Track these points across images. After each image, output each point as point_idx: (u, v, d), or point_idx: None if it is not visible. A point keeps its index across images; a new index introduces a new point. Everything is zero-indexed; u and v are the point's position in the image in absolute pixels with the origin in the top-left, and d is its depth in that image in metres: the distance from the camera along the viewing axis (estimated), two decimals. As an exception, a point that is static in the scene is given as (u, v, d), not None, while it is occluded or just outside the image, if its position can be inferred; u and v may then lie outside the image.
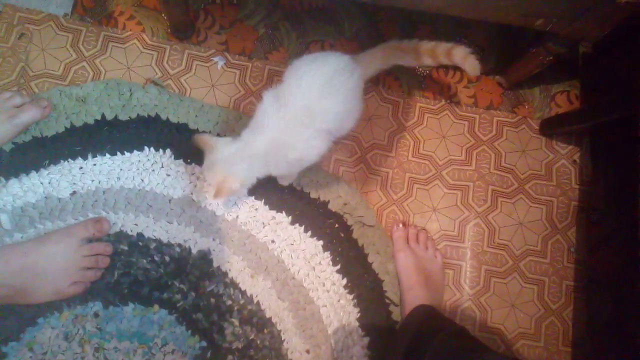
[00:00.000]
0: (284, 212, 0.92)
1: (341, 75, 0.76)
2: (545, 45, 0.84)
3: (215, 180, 0.76)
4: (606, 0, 0.67)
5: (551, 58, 0.85)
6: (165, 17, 0.97)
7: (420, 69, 1.02)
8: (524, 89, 1.03)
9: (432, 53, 0.82)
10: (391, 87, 1.01)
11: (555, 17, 0.74)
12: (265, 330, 0.86)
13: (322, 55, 0.79)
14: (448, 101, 1.01)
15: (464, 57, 0.80)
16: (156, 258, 0.87)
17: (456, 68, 1.01)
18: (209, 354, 0.84)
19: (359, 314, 0.89)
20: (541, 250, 0.95)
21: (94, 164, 0.91)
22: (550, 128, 0.98)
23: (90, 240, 0.85)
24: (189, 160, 0.92)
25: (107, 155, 0.91)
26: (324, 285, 0.89)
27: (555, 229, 0.96)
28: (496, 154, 0.99)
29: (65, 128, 0.92)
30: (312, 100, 0.74)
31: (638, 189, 0.70)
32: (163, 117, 0.94)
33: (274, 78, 0.98)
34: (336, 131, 0.80)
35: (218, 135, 0.94)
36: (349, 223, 0.93)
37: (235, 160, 0.76)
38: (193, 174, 0.92)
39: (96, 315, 0.84)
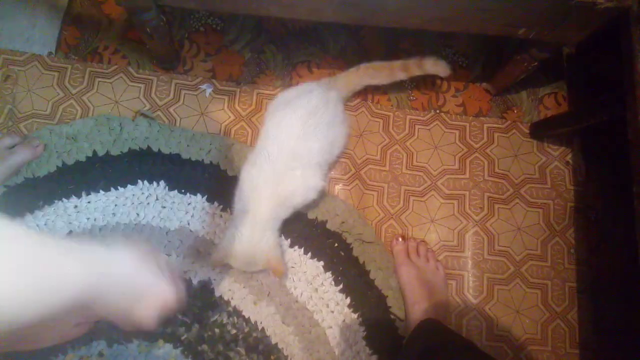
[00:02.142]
0: (282, 235, 0.91)
1: (316, 112, 0.79)
2: (529, 51, 0.84)
3: (264, 266, 0.80)
4: (585, 6, 0.68)
5: (536, 64, 0.86)
6: (150, 49, 0.97)
7: (407, 82, 1.02)
8: (511, 94, 1.03)
9: (404, 67, 0.90)
10: (380, 101, 1.01)
11: (537, 25, 0.75)
12: (272, 357, 0.85)
13: (294, 95, 0.83)
14: (437, 111, 1.01)
15: (434, 63, 0.89)
16: (157, 292, 0.86)
17: (443, 78, 1.03)
18: (217, 385, 0.84)
19: (365, 332, 0.88)
20: (541, 254, 0.95)
21: (89, 202, 0.90)
22: (541, 131, 0.99)
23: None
24: (183, 191, 0.92)
25: (101, 192, 0.91)
26: (328, 306, 0.89)
27: (554, 231, 0.96)
28: (489, 160, 0.99)
29: (57, 167, 0.92)
30: (295, 144, 0.77)
31: (633, 186, 0.71)
32: (155, 149, 0.94)
33: (263, 101, 0.98)
34: (326, 162, 0.83)
35: (211, 163, 0.94)
36: (348, 241, 0.93)
37: (255, 237, 0.78)
38: (189, 204, 0.92)
39: (101, 354, 0.83)
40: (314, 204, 0.89)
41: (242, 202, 0.81)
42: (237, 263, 0.80)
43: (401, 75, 0.91)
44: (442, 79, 1.03)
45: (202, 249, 0.89)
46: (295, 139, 0.78)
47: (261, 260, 0.79)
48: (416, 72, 0.90)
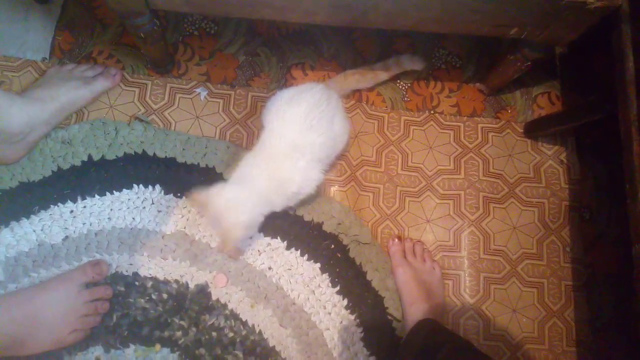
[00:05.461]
0: (278, 237, 0.92)
1: (320, 106, 0.79)
2: (522, 51, 0.85)
3: (223, 235, 0.78)
4: (576, 6, 0.69)
5: (529, 64, 0.86)
6: (144, 54, 0.97)
7: (401, 83, 1.03)
8: (505, 94, 1.04)
9: (385, 67, 0.97)
10: (375, 103, 1.01)
11: (529, 25, 0.75)
12: (270, 360, 0.85)
13: (298, 91, 0.83)
14: (432, 112, 1.02)
15: (410, 59, 0.97)
16: (154, 296, 0.86)
17: (437, 79, 1.04)
18: (215, 389, 0.84)
19: (362, 334, 0.88)
20: (537, 253, 0.95)
21: (84, 206, 0.90)
22: (535, 130, 0.99)
23: (88, 285, 0.84)
24: (179, 195, 0.92)
25: (97, 197, 0.91)
26: (325, 308, 0.89)
27: (549, 230, 0.97)
28: (484, 160, 1.00)
29: (53, 171, 0.91)
30: (296, 136, 0.77)
31: (626, 184, 0.71)
32: (150, 153, 0.94)
33: (257, 104, 0.99)
34: (327, 158, 0.83)
35: (207, 166, 0.94)
36: (344, 243, 0.93)
37: (236, 203, 0.77)
38: (185, 207, 0.92)
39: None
40: (308, 200, 0.89)
41: (239, 170, 0.81)
42: (209, 213, 0.78)
43: (383, 76, 0.97)
44: (435, 80, 1.04)
45: (198, 253, 0.89)
46: (298, 131, 0.78)
47: (225, 224, 0.76)
48: (396, 70, 0.97)
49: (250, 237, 0.90)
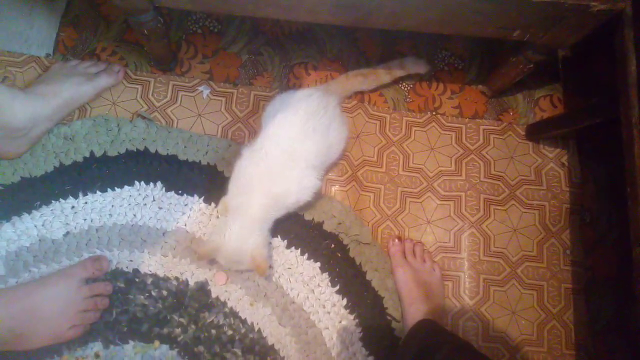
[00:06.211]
0: (279, 236, 0.92)
1: (316, 115, 0.81)
2: (525, 54, 0.85)
3: (249, 264, 0.79)
4: (579, 9, 0.69)
5: (531, 66, 0.87)
6: (147, 51, 0.97)
7: (403, 84, 1.03)
8: (507, 96, 1.04)
9: (388, 70, 0.97)
10: (377, 103, 1.01)
11: (531, 27, 0.75)
12: (269, 358, 0.85)
13: (294, 98, 0.83)
14: (433, 113, 1.02)
15: (414, 62, 0.98)
16: (154, 293, 0.86)
17: (439, 79, 1.04)
18: (213, 386, 0.84)
19: (361, 334, 0.88)
20: (537, 255, 0.95)
21: (86, 202, 0.90)
22: (536, 133, 0.99)
23: (88, 280, 0.84)
24: (180, 192, 0.92)
25: (98, 193, 0.91)
26: (324, 307, 0.89)
27: (549, 232, 0.97)
28: (485, 162, 1.00)
29: (55, 167, 0.92)
30: (292, 144, 0.78)
31: (627, 187, 0.71)
32: (152, 150, 0.94)
33: (260, 103, 0.99)
34: (322, 165, 0.83)
35: (208, 164, 0.94)
36: (344, 242, 0.93)
37: (244, 235, 0.78)
38: (186, 205, 0.92)
39: (97, 355, 0.83)
40: (308, 206, 0.89)
41: (235, 197, 0.80)
42: (224, 260, 0.80)
43: (386, 78, 0.97)
44: (438, 80, 1.04)
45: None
46: (294, 140, 0.79)
47: (246, 259, 0.78)
48: (399, 72, 0.97)
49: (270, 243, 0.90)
